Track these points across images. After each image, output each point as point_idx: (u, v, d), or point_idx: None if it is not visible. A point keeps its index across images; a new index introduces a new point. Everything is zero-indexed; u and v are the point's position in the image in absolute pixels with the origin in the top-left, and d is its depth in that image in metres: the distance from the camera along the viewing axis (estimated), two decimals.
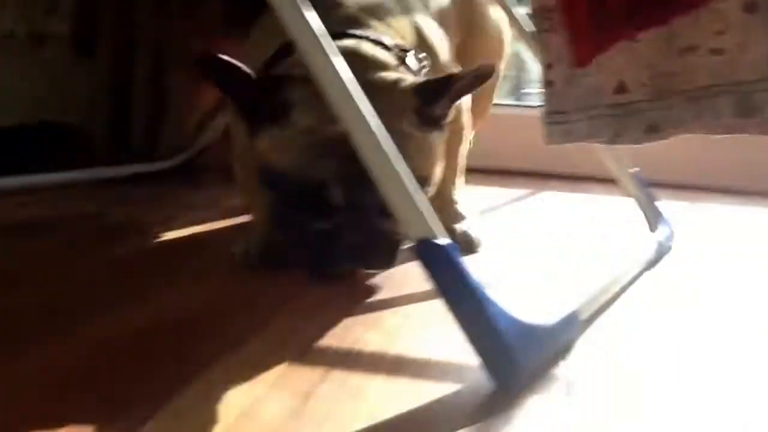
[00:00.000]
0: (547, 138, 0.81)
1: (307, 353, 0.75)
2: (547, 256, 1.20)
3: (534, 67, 2.54)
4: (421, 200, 0.70)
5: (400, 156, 0.71)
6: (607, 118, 0.77)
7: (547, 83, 0.79)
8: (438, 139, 0.99)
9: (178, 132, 1.58)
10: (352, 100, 0.72)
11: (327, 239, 0.93)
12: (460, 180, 1.24)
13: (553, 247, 1.26)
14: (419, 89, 0.95)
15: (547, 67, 0.79)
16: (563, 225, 1.47)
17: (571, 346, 0.80)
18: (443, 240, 0.69)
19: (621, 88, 0.77)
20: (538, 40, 0.83)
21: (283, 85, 0.94)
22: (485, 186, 1.73)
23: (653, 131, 0.80)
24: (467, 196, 1.24)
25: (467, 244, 1.17)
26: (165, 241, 1.16)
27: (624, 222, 1.37)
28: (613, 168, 1.21)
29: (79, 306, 0.88)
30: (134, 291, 0.94)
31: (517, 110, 2.18)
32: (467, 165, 1.26)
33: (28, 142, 1.62)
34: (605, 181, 1.78)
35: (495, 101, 1.43)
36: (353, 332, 0.81)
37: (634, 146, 0.83)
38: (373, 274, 1.02)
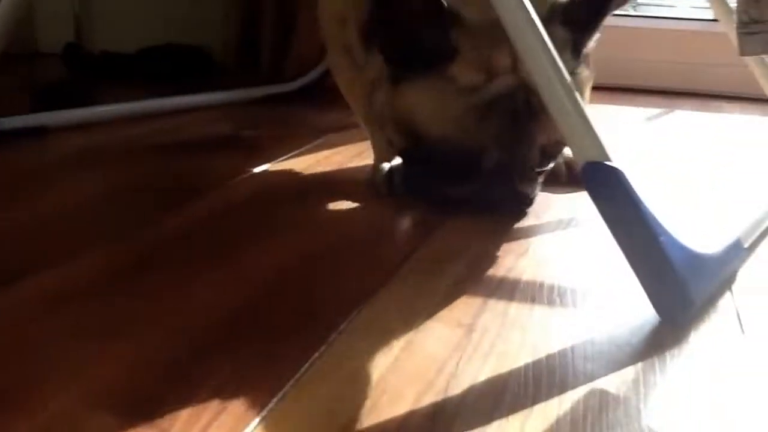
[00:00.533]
0: (742, 49, 0.74)
1: (461, 282, 0.72)
2: (681, 178, 1.13)
3: None
4: (591, 122, 0.65)
5: (567, 73, 0.66)
6: None
7: None
8: (589, 80, 0.86)
9: (305, 54, 1.55)
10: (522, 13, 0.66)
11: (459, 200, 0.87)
12: None
13: (689, 169, 1.18)
14: (567, 13, 0.81)
15: None
16: (697, 146, 1.38)
17: (735, 276, 0.75)
18: (614, 163, 0.64)
19: None
20: None
21: (442, 22, 0.79)
22: (612, 105, 1.65)
23: None
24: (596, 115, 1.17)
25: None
26: (296, 168, 1.11)
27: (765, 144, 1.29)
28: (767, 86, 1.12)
29: (232, 235, 0.84)
30: (270, 223, 0.89)
31: (636, 21, 2.05)
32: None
33: (154, 65, 1.63)
34: (738, 99, 1.71)
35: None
36: (505, 261, 0.78)
37: None
38: None
